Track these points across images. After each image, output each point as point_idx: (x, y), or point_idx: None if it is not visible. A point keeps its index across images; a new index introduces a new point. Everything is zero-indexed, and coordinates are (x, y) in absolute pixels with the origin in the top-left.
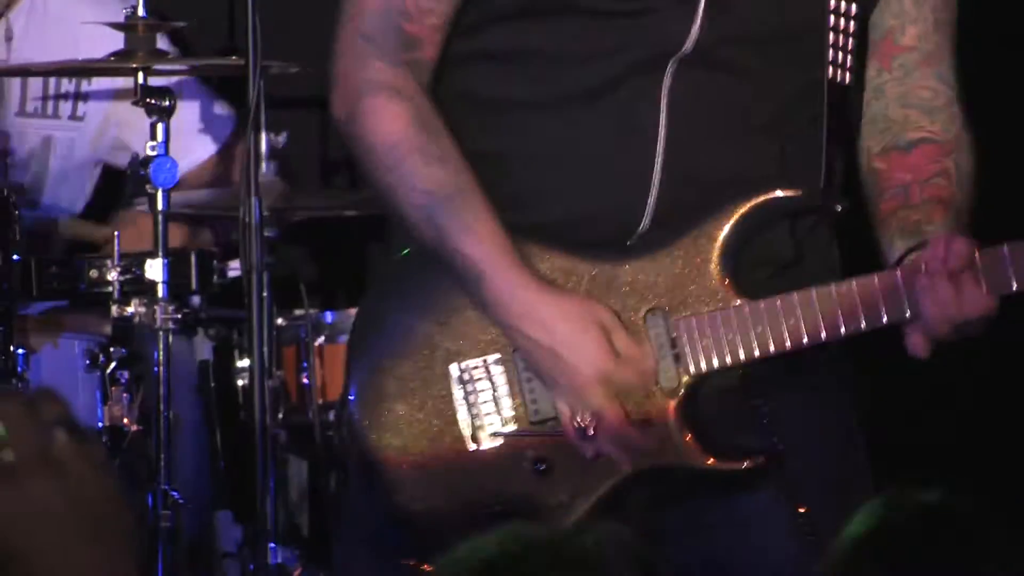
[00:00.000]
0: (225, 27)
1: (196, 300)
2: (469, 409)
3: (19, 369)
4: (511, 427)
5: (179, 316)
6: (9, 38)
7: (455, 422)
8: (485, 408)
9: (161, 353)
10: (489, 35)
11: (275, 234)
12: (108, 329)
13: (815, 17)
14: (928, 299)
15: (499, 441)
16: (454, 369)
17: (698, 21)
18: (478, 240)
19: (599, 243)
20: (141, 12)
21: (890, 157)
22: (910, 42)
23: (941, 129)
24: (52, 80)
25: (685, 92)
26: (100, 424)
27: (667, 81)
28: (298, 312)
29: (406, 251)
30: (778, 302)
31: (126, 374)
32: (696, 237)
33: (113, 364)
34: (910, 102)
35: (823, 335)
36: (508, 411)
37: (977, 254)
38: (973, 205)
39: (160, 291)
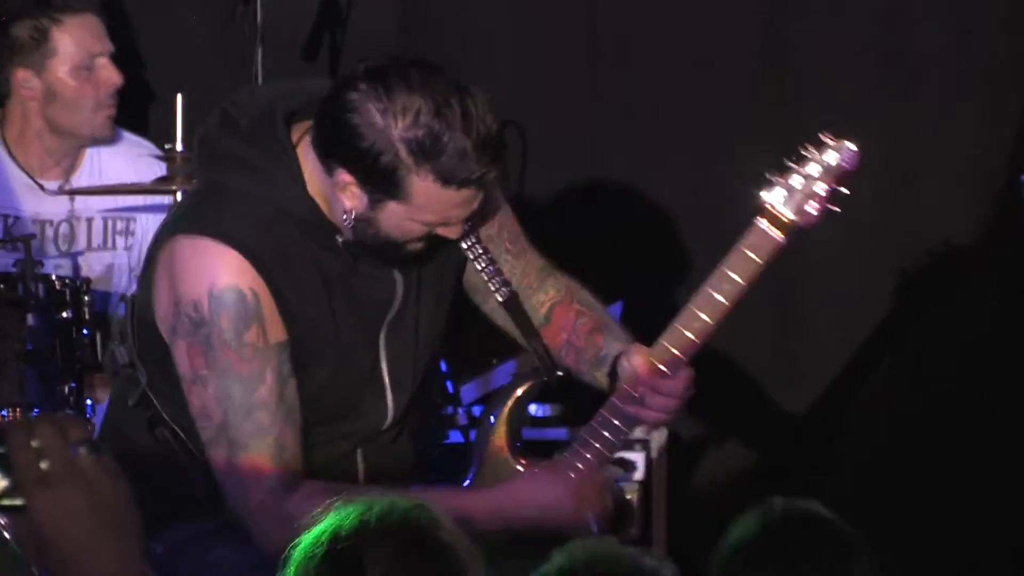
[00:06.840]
0: None
1: None
2: None
3: (88, 415)
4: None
5: None
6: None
7: None
8: None
9: None
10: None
11: None
12: None
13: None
14: (646, 413)
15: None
16: None
17: (389, 417)
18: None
19: None
20: (179, 147)
21: (542, 332)
22: (511, 271)
23: (555, 291)
24: (109, 223)
25: (376, 444)
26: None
27: (364, 446)
28: None
29: None
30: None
31: None
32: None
33: None
34: (528, 293)
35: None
36: None
37: (649, 358)
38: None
39: None
